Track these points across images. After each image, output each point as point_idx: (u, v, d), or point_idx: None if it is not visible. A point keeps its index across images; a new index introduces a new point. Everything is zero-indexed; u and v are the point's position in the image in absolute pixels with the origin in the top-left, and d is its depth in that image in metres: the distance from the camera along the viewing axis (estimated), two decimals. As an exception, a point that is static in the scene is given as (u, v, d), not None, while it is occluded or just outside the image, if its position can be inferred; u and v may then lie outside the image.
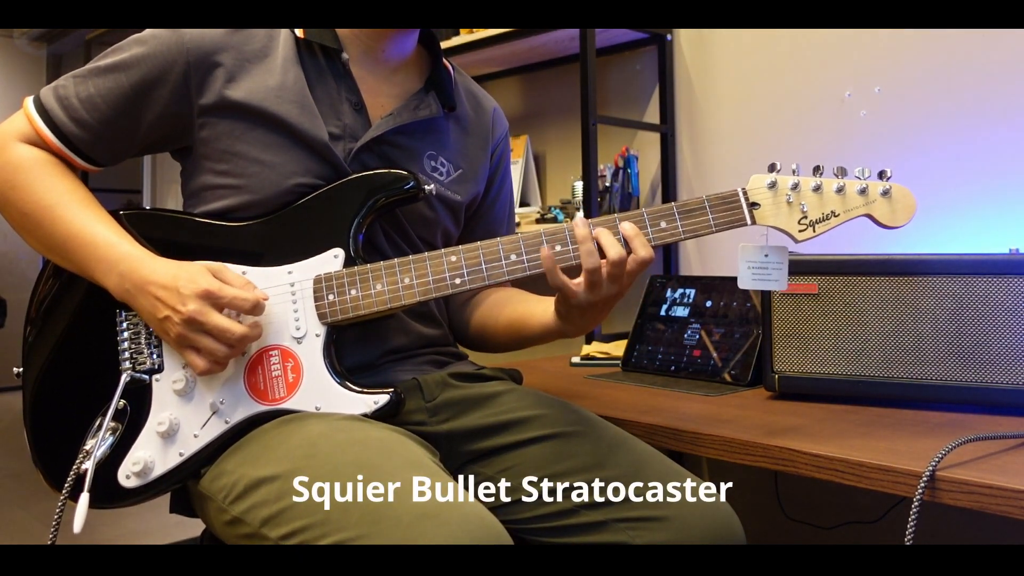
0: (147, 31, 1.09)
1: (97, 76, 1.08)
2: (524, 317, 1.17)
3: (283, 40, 1.10)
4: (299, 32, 1.10)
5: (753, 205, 1.02)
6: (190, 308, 0.97)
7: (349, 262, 1.05)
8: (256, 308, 1.00)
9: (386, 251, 1.12)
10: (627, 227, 1.00)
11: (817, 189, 1.02)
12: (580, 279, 1.00)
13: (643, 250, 0.99)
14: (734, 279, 1.59)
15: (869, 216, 1.02)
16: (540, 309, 1.14)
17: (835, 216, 1.02)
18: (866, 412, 1.22)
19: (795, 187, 1.02)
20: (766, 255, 1.05)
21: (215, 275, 1.00)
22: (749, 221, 1.02)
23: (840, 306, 1.28)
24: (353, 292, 1.04)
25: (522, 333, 1.18)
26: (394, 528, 0.81)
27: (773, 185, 1.02)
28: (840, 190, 1.01)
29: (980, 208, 1.62)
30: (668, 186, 2.14)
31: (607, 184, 2.12)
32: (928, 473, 0.90)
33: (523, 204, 2.39)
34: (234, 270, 1.04)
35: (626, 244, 0.99)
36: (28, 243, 1.09)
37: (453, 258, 1.04)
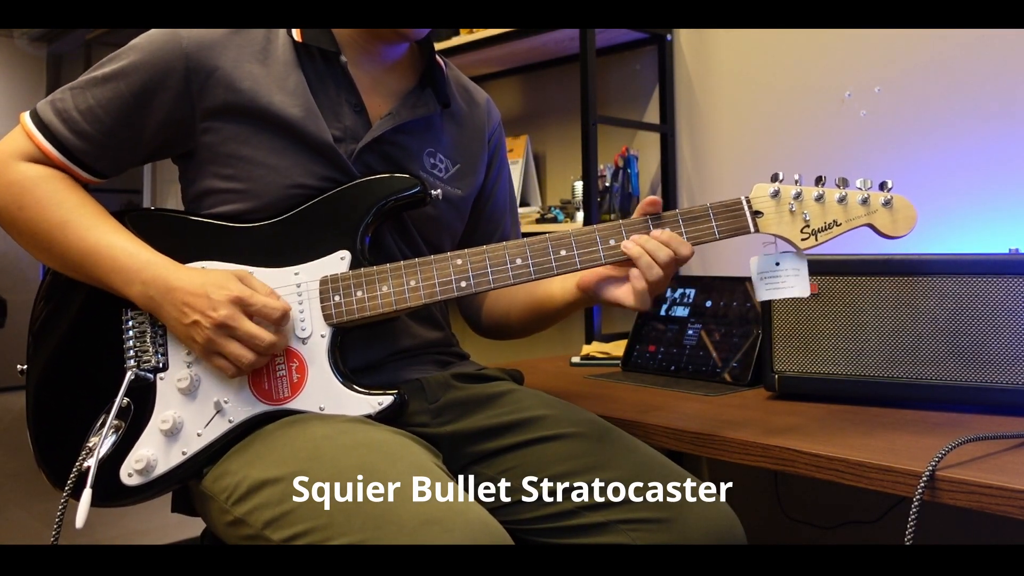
0: (143, 36, 1.07)
1: (95, 86, 1.06)
2: (544, 299, 1.20)
3: (282, 43, 1.10)
4: (296, 35, 1.10)
5: (756, 213, 1.04)
6: (221, 313, 0.97)
7: (355, 264, 1.06)
8: (284, 318, 1.00)
9: (392, 251, 1.13)
10: (662, 234, 1.02)
11: (819, 199, 1.03)
12: (627, 291, 1.04)
13: (683, 248, 1.02)
14: (734, 279, 1.61)
15: (870, 226, 1.03)
16: (559, 288, 1.17)
17: (837, 225, 1.03)
18: (866, 412, 1.22)
19: (798, 196, 1.03)
20: (777, 263, 1.05)
21: (243, 281, 1.01)
22: (752, 229, 1.04)
23: (840, 306, 1.28)
24: (359, 294, 1.04)
25: (544, 314, 1.21)
26: (398, 533, 0.81)
27: (776, 194, 1.04)
28: (842, 200, 1.03)
29: (980, 208, 1.62)
30: (668, 186, 2.14)
31: (607, 184, 2.12)
32: (928, 473, 0.90)
33: (523, 204, 2.39)
34: (258, 275, 1.04)
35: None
36: (42, 261, 1.08)
37: (459, 262, 1.04)
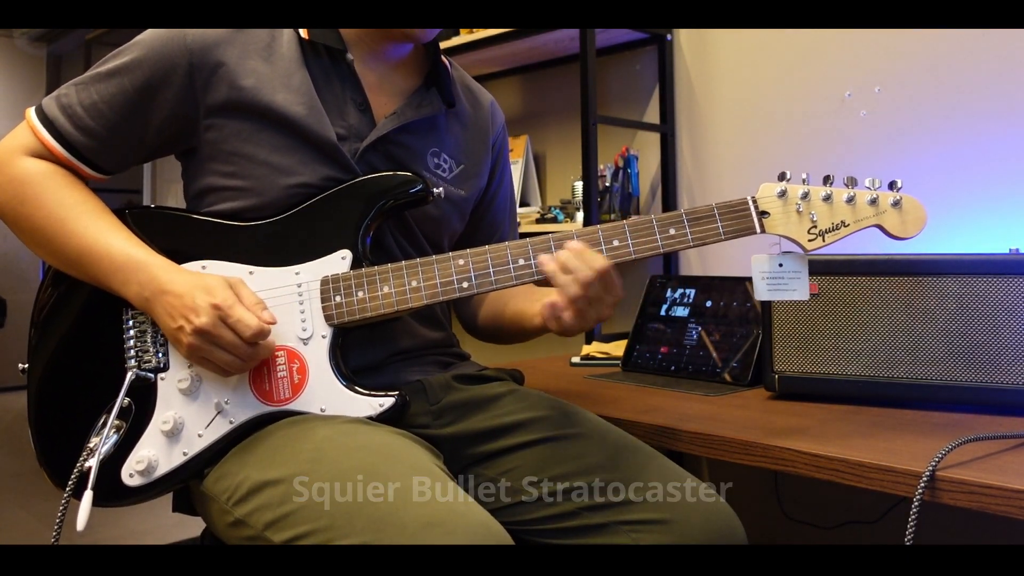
0: (148, 32, 1.07)
1: (99, 82, 1.06)
2: (522, 315, 1.19)
3: (287, 40, 1.10)
4: (303, 33, 1.10)
5: (763, 214, 1.02)
6: (202, 320, 0.96)
7: (356, 264, 1.05)
8: (256, 336, 0.98)
9: (393, 251, 1.12)
10: (574, 245, 0.98)
11: (827, 199, 1.01)
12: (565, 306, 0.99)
13: (598, 261, 0.97)
14: (734, 279, 1.61)
15: (879, 227, 1.01)
16: (534, 309, 1.15)
17: (845, 226, 1.01)
18: (866, 412, 1.22)
19: (805, 196, 1.01)
20: (780, 264, 1.03)
21: (232, 289, 1.00)
22: (758, 230, 1.02)
23: (840, 306, 1.28)
24: (360, 294, 1.04)
25: (524, 330, 1.21)
26: (399, 535, 0.81)
27: (783, 194, 1.02)
28: (850, 200, 1.01)
29: (980, 208, 1.62)
30: (668, 186, 2.14)
31: (607, 184, 2.12)
32: (928, 473, 0.90)
33: (523, 204, 2.39)
34: (247, 280, 1.04)
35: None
36: (41, 257, 1.08)
37: (461, 262, 1.04)
